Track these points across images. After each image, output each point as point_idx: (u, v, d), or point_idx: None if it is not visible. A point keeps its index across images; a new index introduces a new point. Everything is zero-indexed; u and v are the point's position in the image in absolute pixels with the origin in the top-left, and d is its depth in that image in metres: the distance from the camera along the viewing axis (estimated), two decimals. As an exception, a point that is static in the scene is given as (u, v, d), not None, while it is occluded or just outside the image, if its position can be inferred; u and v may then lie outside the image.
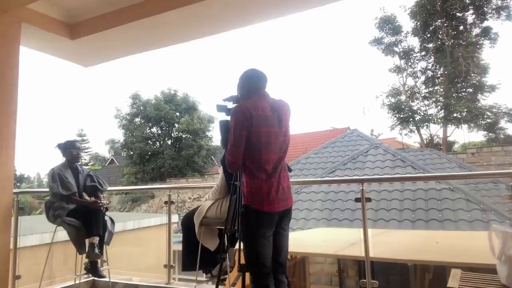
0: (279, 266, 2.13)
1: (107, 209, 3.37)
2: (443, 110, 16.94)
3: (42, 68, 67.66)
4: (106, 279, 3.44)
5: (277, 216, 2.08)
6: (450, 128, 17.49)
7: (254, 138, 2.03)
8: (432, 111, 17.82)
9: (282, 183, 2.12)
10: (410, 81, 18.71)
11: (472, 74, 16.40)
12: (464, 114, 16.02)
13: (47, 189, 3.26)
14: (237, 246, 2.39)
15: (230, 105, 2.30)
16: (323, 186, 8.05)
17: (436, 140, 18.31)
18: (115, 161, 28.32)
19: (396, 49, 18.35)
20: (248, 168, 2.08)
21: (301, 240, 5.83)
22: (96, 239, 3.16)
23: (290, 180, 2.25)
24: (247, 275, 2.10)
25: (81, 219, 3.17)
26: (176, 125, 22.40)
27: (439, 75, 18.09)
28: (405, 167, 8.24)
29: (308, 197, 7.99)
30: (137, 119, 22.88)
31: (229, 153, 2.07)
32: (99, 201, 3.30)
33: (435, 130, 18.18)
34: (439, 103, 17.37)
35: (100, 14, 3.43)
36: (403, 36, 18.25)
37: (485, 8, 16.41)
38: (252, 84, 2.20)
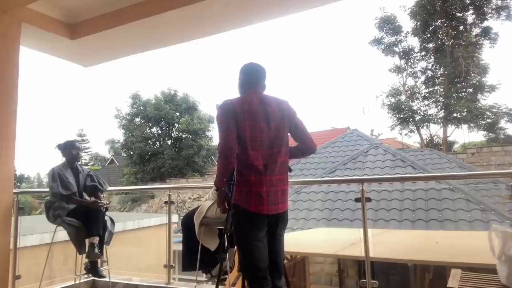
0: (275, 272, 2.05)
1: (107, 209, 3.37)
2: (443, 110, 16.94)
3: (42, 68, 67.72)
4: (106, 279, 3.44)
5: (267, 219, 1.97)
6: (450, 128, 17.52)
7: (240, 133, 1.99)
8: (432, 111, 17.86)
9: (277, 185, 2.01)
10: (410, 81, 18.76)
11: (472, 74, 16.39)
12: (464, 114, 16.01)
13: (47, 189, 3.26)
14: (237, 246, 2.38)
15: None
16: (323, 186, 8.04)
17: (436, 140, 18.31)
18: (115, 161, 28.32)
19: (396, 49, 18.35)
20: (238, 166, 2.03)
21: (301, 240, 5.84)
22: (96, 239, 3.16)
23: (290, 180, 2.19)
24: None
25: (81, 219, 3.17)
26: (176, 125, 22.41)
27: (439, 75, 18.08)
28: (405, 167, 8.24)
29: (308, 197, 7.98)
30: (137, 119, 22.89)
31: (221, 140, 1.98)
32: (99, 201, 3.30)
33: (435, 130, 18.22)
34: (439, 103, 17.37)
35: (100, 14, 3.43)
36: (403, 36, 18.27)
37: (485, 8, 16.41)
38: (251, 78, 2.18)
